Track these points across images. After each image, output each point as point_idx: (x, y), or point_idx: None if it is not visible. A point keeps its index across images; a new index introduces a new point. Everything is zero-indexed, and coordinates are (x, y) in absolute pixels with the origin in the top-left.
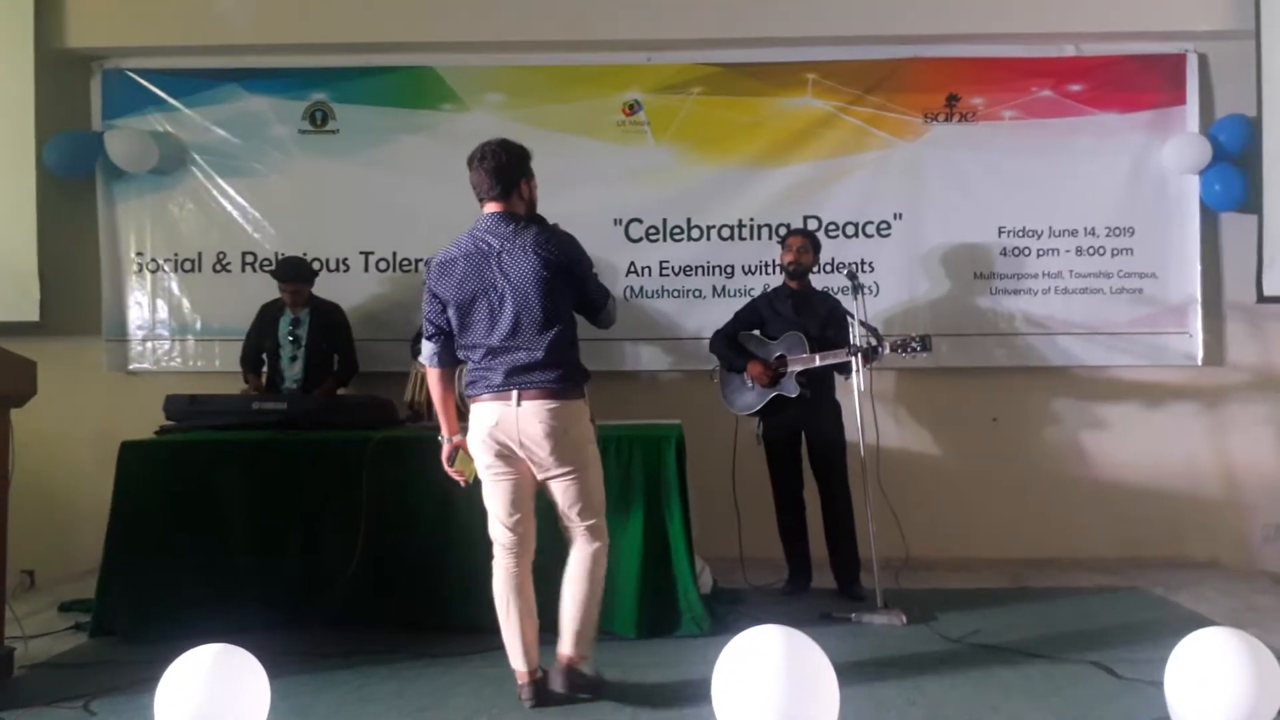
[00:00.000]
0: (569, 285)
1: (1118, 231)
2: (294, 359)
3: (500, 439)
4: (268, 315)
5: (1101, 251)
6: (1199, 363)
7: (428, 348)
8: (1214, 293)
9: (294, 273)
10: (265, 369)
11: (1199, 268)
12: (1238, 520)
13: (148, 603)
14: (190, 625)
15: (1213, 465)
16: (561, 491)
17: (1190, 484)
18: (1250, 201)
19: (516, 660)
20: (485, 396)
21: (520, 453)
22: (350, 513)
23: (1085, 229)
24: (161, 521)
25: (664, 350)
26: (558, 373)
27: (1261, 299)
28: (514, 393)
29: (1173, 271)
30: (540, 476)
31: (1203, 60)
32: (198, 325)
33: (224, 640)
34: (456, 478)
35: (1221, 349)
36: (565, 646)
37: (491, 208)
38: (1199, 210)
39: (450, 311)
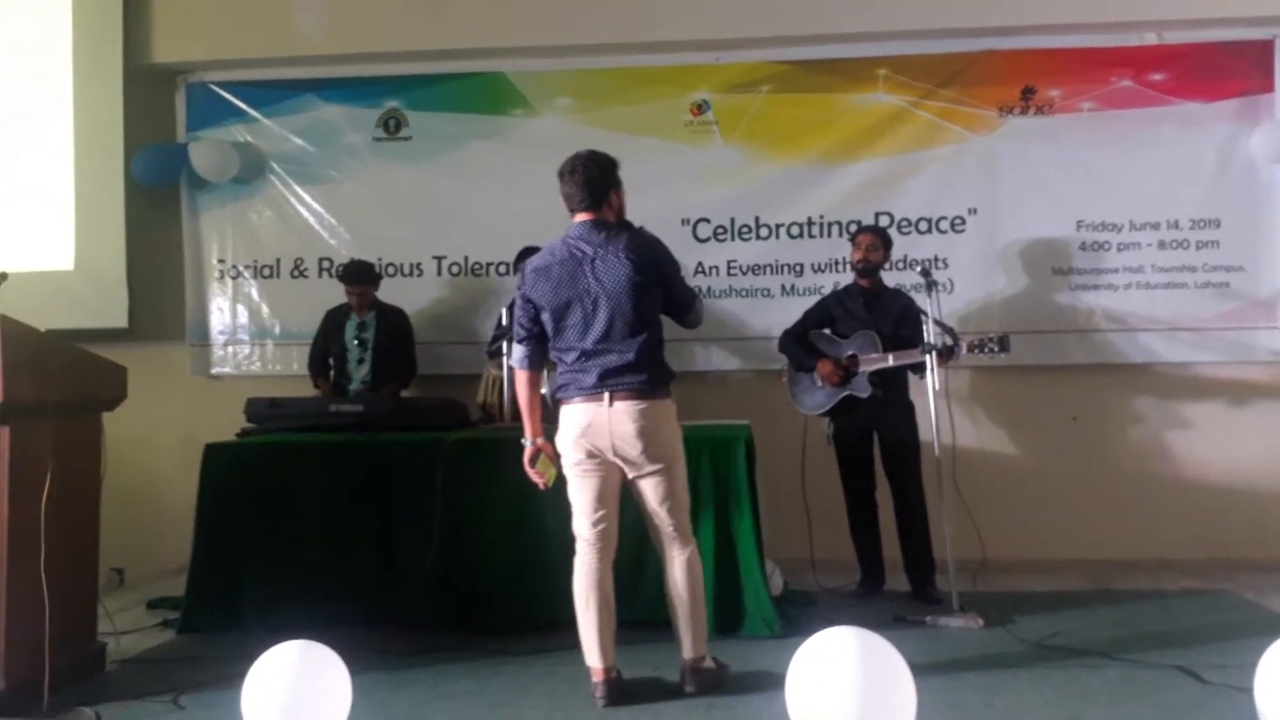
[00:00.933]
0: (659, 288)
1: (1202, 224)
2: (361, 361)
3: (593, 440)
4: (333, 320)
5: (1185, 244)
6: None
7: (519, 350)
8: None
9: (360, 275)
10: (332, 372)
11: None
12: None
13: (233, 600)
14: (272, 623)
15: None
16: (651, 489)
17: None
18: None
19: (592, 657)
20: (577, 399)
21: (612, 455)
22: (424, 512)
23: (1168, 221)
24: (245, 522)
25: (732, 350)
26: (647, 374)
27: None
28: (606, 394)
29: (1262, 264)
30: (631, 475)
31: None
32: (276, 330)
33: (304, 637)
34: (537, 479)
35: None
36: (688, 650)
37: (583, 217)
38: None
39: (545, 316)
